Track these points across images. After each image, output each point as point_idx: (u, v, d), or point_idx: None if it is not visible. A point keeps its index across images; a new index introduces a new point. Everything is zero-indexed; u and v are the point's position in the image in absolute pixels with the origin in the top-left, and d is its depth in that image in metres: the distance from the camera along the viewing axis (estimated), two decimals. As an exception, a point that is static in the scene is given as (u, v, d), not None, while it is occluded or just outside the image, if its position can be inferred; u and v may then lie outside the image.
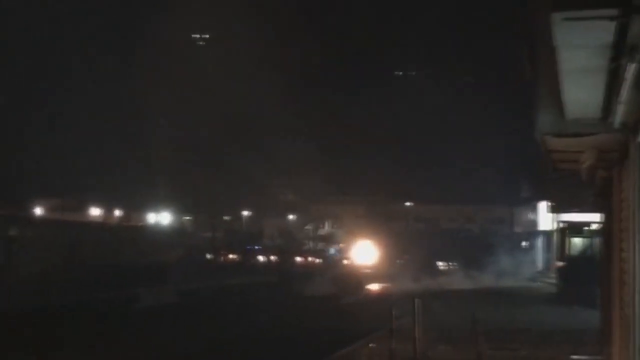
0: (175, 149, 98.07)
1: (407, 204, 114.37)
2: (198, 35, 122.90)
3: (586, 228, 42.59)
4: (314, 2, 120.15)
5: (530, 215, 73.96)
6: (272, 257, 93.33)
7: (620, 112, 7.82)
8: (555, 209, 50.67)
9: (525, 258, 74.28)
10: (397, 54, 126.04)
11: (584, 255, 41.69)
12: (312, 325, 31.56)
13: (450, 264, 72.04)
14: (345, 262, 76.58)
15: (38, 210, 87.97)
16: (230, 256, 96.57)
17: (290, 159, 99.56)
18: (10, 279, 48.84)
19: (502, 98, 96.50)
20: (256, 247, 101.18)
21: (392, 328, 20.25)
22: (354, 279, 58.70)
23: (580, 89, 7.50)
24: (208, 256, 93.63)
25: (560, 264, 44.95)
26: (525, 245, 78.79)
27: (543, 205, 61.48)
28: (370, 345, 23.71)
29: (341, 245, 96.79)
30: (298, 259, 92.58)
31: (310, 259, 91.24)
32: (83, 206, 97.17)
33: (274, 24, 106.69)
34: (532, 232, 73.66)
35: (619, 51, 6.17)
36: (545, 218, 61.73)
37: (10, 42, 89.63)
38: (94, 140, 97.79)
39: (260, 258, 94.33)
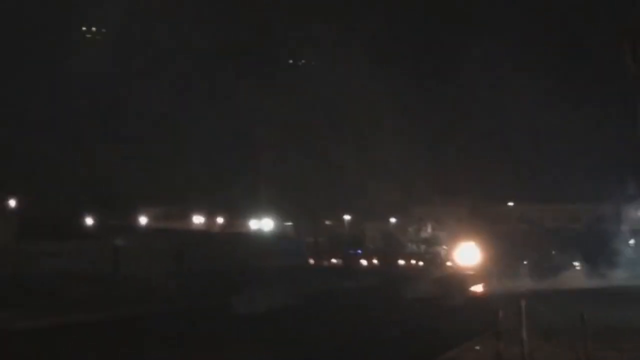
0: (276, 154, 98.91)
1: (510, 204, 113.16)
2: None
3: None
4: None
5: (638, 212, 72.60)
6: (375, 261, 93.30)
7: None
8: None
9: (637, 256, 72.92)
10: (492, 53, 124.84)
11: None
12: (416, 328, 31.54)
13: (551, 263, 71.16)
14: (448, 264, 76.23)
15: (143, 219, 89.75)
16: (333, 260, 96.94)
17: (392, 160, 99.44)
18: (117, 288, 49.90)
19: (608, 94, 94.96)
20: (358, 251, 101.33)
21: (498, 330, 20.13)
22: (457, 281, 58.42)
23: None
24: (311, 261, 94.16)
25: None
26: (633, 243, 77.35)
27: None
28: (476, 347, 23.61)
29: (444, 247, 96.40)
30: (401, 261, 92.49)
31: (412, 261, 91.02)
32: (187, 214, 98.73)
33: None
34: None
35: None
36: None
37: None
38: (196, 148, 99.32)
39: (363, 262, 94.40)
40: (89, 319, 35.59)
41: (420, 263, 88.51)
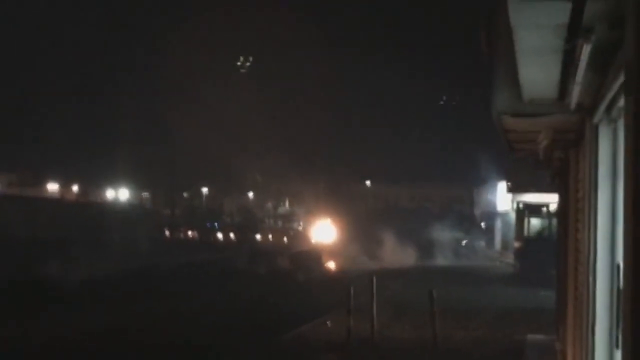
0: (135, 123, 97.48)
1: (367, 183, 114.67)
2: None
3: (544, 209, 42.96)
4: None
5: (490, 196, 74.39)
6: (232, 235, 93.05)
7: (576, 93, 7.83)
8: (513, 189, 51.08)
9: (484, 238, 74.90)
10: (354, 30, 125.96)
11: (542, 236, 42.07)
12: (270, 303, 31.56)
13: (409, 242, 72.36)
14: (304, 240, 76.61)
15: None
16: (190, 233, 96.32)
17: (251, 136, 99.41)
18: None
19: (463, 76, 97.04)
20: (215, 224, 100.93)
21: (350, 307, 20.29)
22: (313, 258, 58.78)
23: (537, 69, 7.49)
24: (167, 233, 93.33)
25: (518, 244, 45.33)
26: (484, 226, 79.35)
27: (502, 186, 61.86)
28: (327, 322, 23.78)
29: (301, 223, 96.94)
30: (258, 236, 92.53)
31: (269, 236, 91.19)
32: (40, 181, 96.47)
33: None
34: (491, 212, 74.11)
35: (575, 32, 6.15)
36: (504, 198, 62.12)
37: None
38: (52, 113, 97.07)
39: (220, 235, 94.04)
40: None
41: (277, 238, 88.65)
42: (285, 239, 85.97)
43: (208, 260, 59.27)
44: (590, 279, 8.64)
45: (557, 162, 14.84)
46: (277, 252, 63.12)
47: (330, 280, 44.23)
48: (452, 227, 72.25)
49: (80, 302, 30.88)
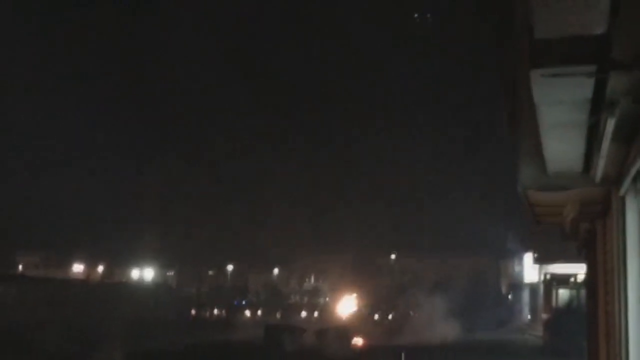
0: (159, 203, 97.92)
1: (393, 256, 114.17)
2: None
3: (572, 280, 42.60)
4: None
5: (516, 267, 73.91)
6: (259, 312, 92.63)
7: (601, 166, 7.82)
8: (540, 260, 50.78)
9: (512, 310, 74.16)
10: (377, 113, 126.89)
11: (570, 307, 41.63)
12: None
13: (436, 316, 71.76)
14: (331, 316, 76.13)
15: (19, 267, 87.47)
16: (215, 311, 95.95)
17: (276, 211, 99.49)
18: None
19: (487, 151, 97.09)
20: (243, 302, 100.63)
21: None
22: (339, 333, 58.28)
23: (561, 143, 7.50)
24: (192, 312, 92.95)
25: (547, 315, 44.84)
26: (511, 298, 78.65)
27: (529, 257, 61.48)
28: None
29: (327, 298, 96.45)
30: (283, 313, 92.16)
31: (295, 313, 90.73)
32: (65, 262, 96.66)
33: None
34: (517, 283, 73.53)
35: (598, 106, 6.17)
36: (531, 269, 61.71)
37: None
38: (76, 194, 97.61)
39: (248, 313, 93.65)
40: None
41: (304, 314, 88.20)
42: (311, 315, 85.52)
43: (235, 339, 58.97)
44: (623, 352, 8.53)
45: (584, 234, 14.75)
46: (304, 328, 62.66)
47: (358, 356, 43.82)
48: (479, 299, 71.68)
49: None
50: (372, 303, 71.72)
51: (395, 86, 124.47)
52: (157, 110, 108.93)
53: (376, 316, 70.44)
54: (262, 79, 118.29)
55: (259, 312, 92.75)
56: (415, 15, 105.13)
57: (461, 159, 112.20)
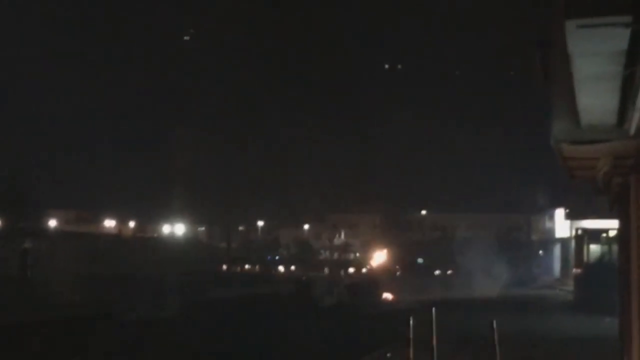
0: (190, 159, 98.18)
1: (423, 212, 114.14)
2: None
3: (604, 235, 42.39)
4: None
5: (547, 223, 73.64)
6: (292, 268, 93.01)
7: (635, 119, 7.75)
8: (572, 216, 50.55)
9: (543, 266, 74.02)
10: (413, 63, 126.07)
11: (602, 262, 41.45)
12: (328, 336, 31.44)
13: (466, 271, 71.79)
14: (361, 271, 76.40)
15: (53, 222, 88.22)
16: (247, 266, 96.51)
17: (307, 167, 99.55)
18: (24, 291, 48.86)
19: (519, 106, 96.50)
20: (276, 257, 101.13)
21: (409, 337, 20.11)
22: (370, 288, 58.51)
23: (595, 96, 7.43)
24: (224, 267, 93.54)
25: (578, 271, 44.68)
26: (542, 253, 78.46)
27: (560, 213, 61.22)
28: (387, 355, 23.59)
29: (357, 254, 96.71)
30: (315, 268, 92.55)
31: (326, 268, 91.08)
32: (97, 218, 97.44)
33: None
34: (548, 239, 73.30)
35: (634, 58, 6.10)
36: (562, 225, 61.47)
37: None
38: (108, 152, 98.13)
39: (281, 268, 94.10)
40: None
41: (333, 270, 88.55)
42: (342, 270, 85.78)
43: (266, 293, 59.34)
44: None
45: (617, 188, 14.64)
46: (334, 283, 62.92)
47: (388, 311, 43.97)
48: (509, 255, 71.55)
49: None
50: (403, 258, 71.81)
51: (425, 41, 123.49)
52: (186, 68, 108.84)
53: (406, 271, 70.55)
54: (295, 38, 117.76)
55: (292, 268, 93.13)
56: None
57: (493, 115, 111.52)
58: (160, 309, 42.94)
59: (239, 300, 51.47)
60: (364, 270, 76.64)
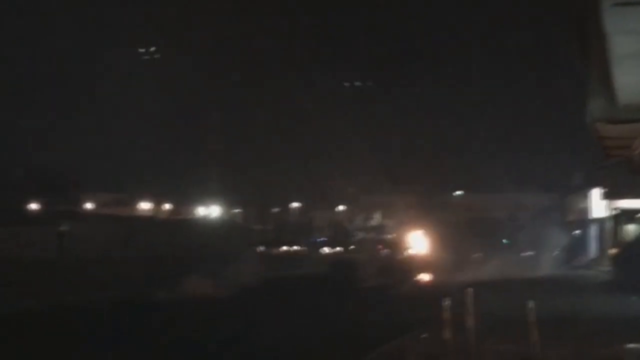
0: (224, 142, 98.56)
1: (458, 193, 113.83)
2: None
3: (640, 214, 42.19)
4: None
5: (582, 203, 73.18)
6: (338, 248, 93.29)
7: (673, 97, 7.69)
8: (608, 196, 50.24)
9: (579, 246, 73.62)
10: (444, 40, 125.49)
11: (639, 242, 41.22)
12: (363, 316, 31.51)
13: (502, 252, 71.59)
14: (396, 252, 76.44)
15: (89, 205, 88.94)
16: (284, 248, 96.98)
17: (340, 149, 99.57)
18: (60, 274, 49.35)
19: (553, 83, 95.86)
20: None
21: (444, 318, 20.14)
22: (405, 269, 58.61)
23: (632, 74, 7.36)
24: (262, 248, 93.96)
25: (614, 251, 44.46)
26: (577, 233, 78.02)
27: (596, 193, 60.85)
28: (422, 335, 23.62)
29: (392, 235, 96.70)
30: (350, 249, 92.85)
31: (362, 249, 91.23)
32: (133, 201, 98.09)
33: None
34: (584, 219, 72.88)
35: (671, 36, 6.04)
36: (598, 205, 61.12)
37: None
38: (143, 134, 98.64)
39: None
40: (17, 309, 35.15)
41: (368, 251, 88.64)
42: (377, 251, 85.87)
43: (301, 274, 59.65)
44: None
45: (654, 168, 14.51)
46: (368, 264, 63.03)
47: (424, 291, 44.02)
48: (545, 235, 71.25)
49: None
50: (439, 239, 71.70)
51: (459, 20, 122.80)
52: (225, 51, 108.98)
53: (442, 252, 70.44)
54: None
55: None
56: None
57: (528, 95, 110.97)
58: (204, 289, 43.23)
59: (274, 282, 51.69)
60: (399, 251, 76.67)
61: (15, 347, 24.79)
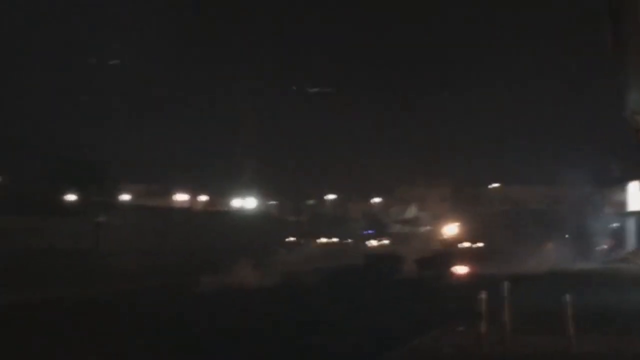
0: (260, 134, 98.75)
1: (493, 185, 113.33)
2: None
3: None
4: None
5: (620, 196, 72.64)
6: (385, 242, 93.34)
7: None
8: (647, 189, 49.78)
9: (617, 239, 73.11)
10: (473, 34, 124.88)
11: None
12: (399, 309, 31.51)
13: (539, 245, 71.16)
14: (432, 244, 76.24)
15: (126, 196, 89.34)
16: (323, 240, 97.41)
17: (375, 142, 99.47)
18: (98, 264, 49.78)
19: (592, 75, 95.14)
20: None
21: (480, 311, 20.07)
22: (441, 262, 58.42)
23: (671, 66, 7.29)
24: (302, 241, 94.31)
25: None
26: (615, 227, 77.48)
27: (634, 185, 60.39)
28: (459, 328, 23.57)
29: (428, 227, 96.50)
30: (385, 241, 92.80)
31: (398, 241, 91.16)
32: (169, 192, 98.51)
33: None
34: (622, 213, 72.37)
35: None
36: (636, 198, 60.66)
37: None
38: (179, 127, 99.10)
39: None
40: (49, 297, 35.47)
41: (404, 243, 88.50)
42: (412, 243, 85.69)
43: (336, 266, 59.82)
44: None
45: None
46: (404, 257, 62.93)
47: (460, 284, 43.92)
48: (583, 228, 70.82)
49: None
50: (474, 232, 71.47)
51: (489, 13, 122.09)
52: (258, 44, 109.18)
53: (479, 244, 70.31)
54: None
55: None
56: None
57: (566, 86, 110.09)
58: (242, 279, 43.45)
59: (301, 275, 51.80)
60: (435, 243, 76.51)
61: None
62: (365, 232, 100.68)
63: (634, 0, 5.60)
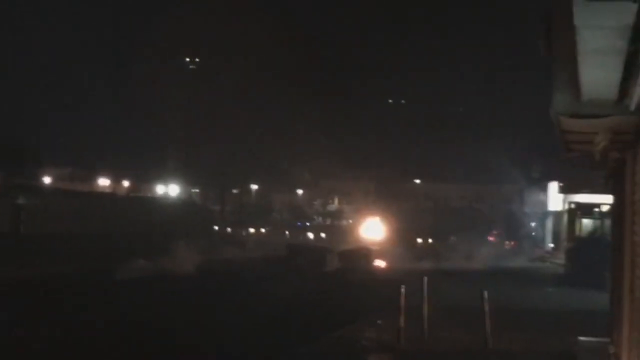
0: (185, 122, 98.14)
1: (417, 181, 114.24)
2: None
3: (596, 209, 42.51)
4: None
5: (540, 196, 73.72)
6: (323, 235, 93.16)
7: (636, 95, 7.75)
8: (565, 190, 50.61)
9: (535, 238, 74.26)
10: (408, 28, 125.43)
11: (594, 237, 41.59)
12: (319, 302, 31.57)
13: (458, 242, 71.93)
14: (353, 238, 76.51)
15: (47, 180, 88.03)
16: (252, 230, 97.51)
17: (299, 133, 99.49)
18: (15, 247, 48.99)
19: (516, 77, 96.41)
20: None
21: (400, 305, 20.23)
22: (362, 255, 58.60)
23: (598, 70, 7.41)
24: (229, 230, 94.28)
25: (570, 244, 44.81)
26: (534, 226, 78.70)
27: (553, 186, 61.33)
28: (378, 321, 23.72)
29: (350, 221, 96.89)
30: (309, 234, 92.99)
31: (320, 234, 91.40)
32: (92, 176, 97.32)
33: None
34: (541, 212, 73.46)
35: (639, 34, 6.09)
36: (555, 198, 61.62)
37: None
38: (103, 111, 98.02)
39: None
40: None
41: (326, 236, 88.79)
42: (334, 236, 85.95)
43: (258, 256, 59.76)
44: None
45: (613, 164, 14.65)
46: (326, 249, 63.08)
47: (380, 279, 44.18)
48: (501, 226, 71.77)
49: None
50: (396, 227, 71.90)
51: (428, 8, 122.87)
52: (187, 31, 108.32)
53: (399, 240, 70.70)
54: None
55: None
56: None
57: (490, 85, 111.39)
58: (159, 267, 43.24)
59: (226, 265, 51.73)
60: (356, 237, 76.81)
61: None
62: (300, 225, 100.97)
63: (567, 1, 5.71)
